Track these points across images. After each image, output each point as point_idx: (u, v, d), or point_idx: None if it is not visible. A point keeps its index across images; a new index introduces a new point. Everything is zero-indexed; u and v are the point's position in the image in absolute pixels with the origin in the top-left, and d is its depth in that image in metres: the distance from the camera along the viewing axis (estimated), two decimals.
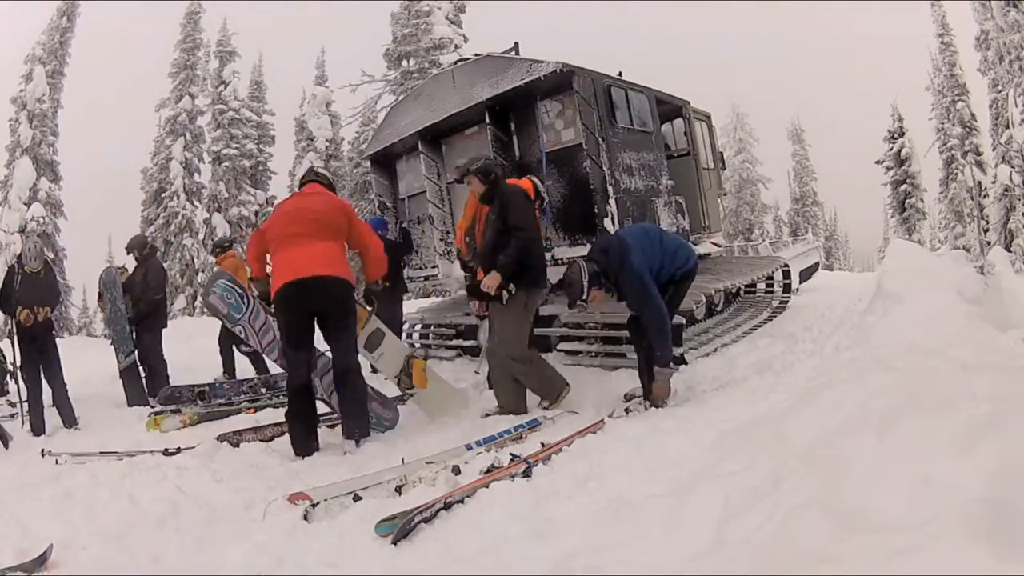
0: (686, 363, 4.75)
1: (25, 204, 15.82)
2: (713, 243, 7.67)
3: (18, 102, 16.63)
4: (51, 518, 2.51)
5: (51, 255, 14.89)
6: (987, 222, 15.69)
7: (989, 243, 14.36)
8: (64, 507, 2.60)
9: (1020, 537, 1.15)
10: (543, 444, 2.99)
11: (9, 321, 5.14)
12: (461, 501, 2.37)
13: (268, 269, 3.65)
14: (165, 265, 18.50)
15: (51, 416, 4.81)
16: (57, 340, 5.16)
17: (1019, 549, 1.12)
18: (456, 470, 2.70)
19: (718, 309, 6.59)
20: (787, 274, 7.29)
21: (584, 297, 3.69)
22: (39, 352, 4.86)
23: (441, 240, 6.26)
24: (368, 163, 7.91)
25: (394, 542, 2.09)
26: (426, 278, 7.08)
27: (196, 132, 19.38)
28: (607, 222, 5.17)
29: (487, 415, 3.90)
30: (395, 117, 6.82)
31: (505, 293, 3.78)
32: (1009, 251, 13.72)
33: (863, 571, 1.25)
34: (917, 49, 19.40)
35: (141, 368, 5.64)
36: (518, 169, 5.75)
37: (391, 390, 4.35)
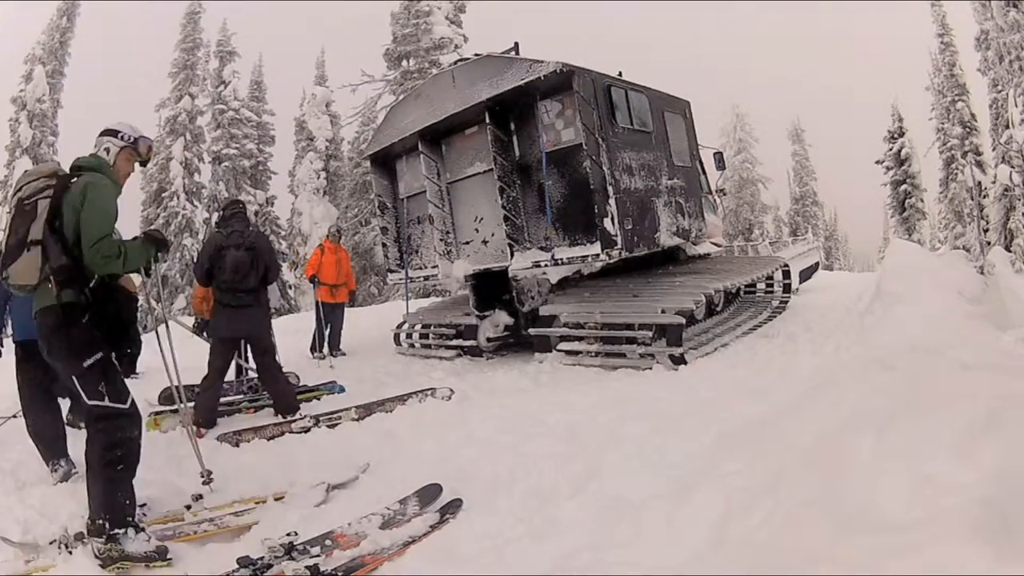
0: (686, 363, 4.75)
1: None
2: (713, 243, 7.68)
3: (18, 102, 16.63)
4: (52, 517, 2.52)
5: None
6: (987, 222, 15.66)
7: (989, 243, 14.33)
8: (64, 507, 2.60)
9: (1020, 537, 1.15)
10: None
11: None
12: None
13: None
14: (164, 266, 18.57)
15: None
16: None
17: (1019, 549, 1.12)
18: None
19: (718, 309, 6.59)
20: (787, 274, 7.29)
21: None
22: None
23: (441, 240, 6.26)
24: (368, 163, 7.90)
25: None
26: (426, 278, 7.08)
27: (196, 132, 19.38)
28: (607, 222, 5.17)
29: None
30: (395, 117, 6.82)
31: None
32: (1009, 251, 13.71)
33: (863, 571, 1.25)
34: (917, 49, 19.41)
35: None
36: (518, 169, 5.76)
37: None
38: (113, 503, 2.16)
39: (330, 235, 7.82)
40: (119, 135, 2.64)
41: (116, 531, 2.12)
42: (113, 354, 2.38)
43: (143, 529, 2.20)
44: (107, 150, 2.61)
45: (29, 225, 2.27)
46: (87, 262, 2.28)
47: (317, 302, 7.38)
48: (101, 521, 2.11)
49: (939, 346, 2.95)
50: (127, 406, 2.33)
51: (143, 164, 2.78)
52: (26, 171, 2.56)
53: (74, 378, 2.29)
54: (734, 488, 1.93)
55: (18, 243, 2.27)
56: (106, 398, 2.28)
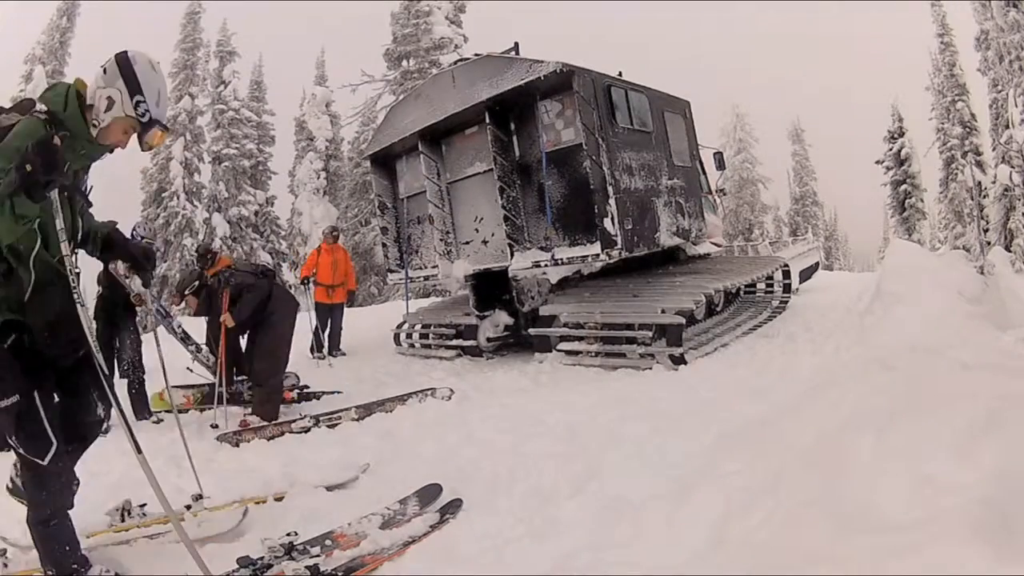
0: (686, 363, 4.75)
1: None
2: (713, 243, 7.68)
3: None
4: None
5: None
6: (987, 222, 15.66)
7: (989, 243, 14.32)
8: None
9: (1020, 537, 1.15)
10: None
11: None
12: None
13: None
14: (165, 265, 18.59)
15: None
16: None
17: (1019, 549, 1.12)
18: None
19: (718, 309, 6.59)
20: (787, 274, 7.29)
21: None
22: None
23: (441, 240, 6.26)
24: (368, 163, 7.91)
25: None
26: (426, 278, 7.08)
27: (196, 132, 19.37)
28: (607, 222, 5.17)
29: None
30: (395, 117, 6.82)
31: None
32: (1009, 251, 13.71)
33: (863, 571, 1.25)
34: (917, 49, 19.40)
35: None
36: (518, 169, 5.76)
37: None
38: (54, 557, 2.00)
39: (326, 236, 7.81)
40: (136, 99, 1.87)
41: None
42: (37, 392, 1.90)
43: (90, 566, 2.06)
44: (109, 100, 1.87)
45: None
46: None
47: (315, 303, 7.38)
48: (51, 573, 2.02)
49: (939, 346, 2.95)
50: (44, 463, 1.90)
51: (142, 147, 2.02)
52: None
53: None
54: (734, 488, 1.93)
55: None
56: (20, 448, 1.91)
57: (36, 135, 1.70)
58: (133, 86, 1.88)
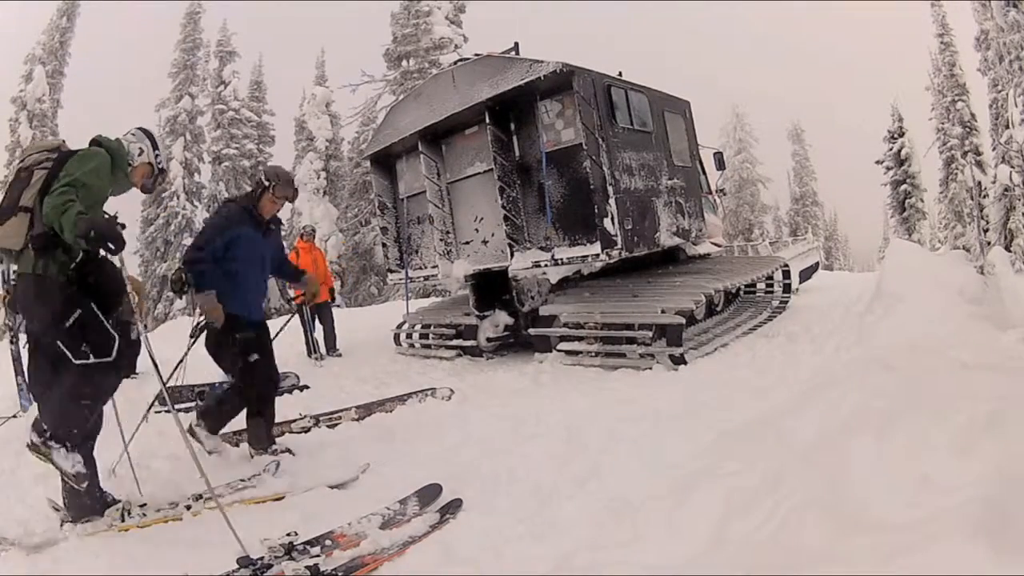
0: (686, 363, 4.75)
1: None
2: (713, 243, 7.68)
3: (18, 102, 16.63)
4: (52, 517, 2.52)
5: None
6: (987, 222, 15.66)
7: (989, 243, 14.33)
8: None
9: (1020, 537, 1.15)
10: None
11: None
12: None
13: None
14: (165, 265, 18.59)
15: None
16: None
17: (1019, 549, 1.12)
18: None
19: (718, 309, 6.59)
20: (787, 274, 7.29)
21: None
22: None
23: (441, 240, 6.26)
24: (368, 163, 7.89)
25: None
26: (426, 278, 7.08)
27: (196, 132, 19.40)
28: (607, 222, 5.17)
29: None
30: (395, 117, 6.82)
31: None
32: (1009, 251, 13.70)
33: (863, 571, 1.25)
34: (917, 49, 19.41)
35: None
36: (518, 169, 5.76)
37: None
38: (62, 423, 2.31)
39: (304, 235, 7.69)
40: (156, 153, 2.76)
41: (53, 443, 2.31)
42: (93, 304, 2.35)
43: (76, 452, 2.33)
44: (140, 150, 2.69)
45: (22, 191, 2.34)
46: (45, 210, 2.21)
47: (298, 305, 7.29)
48: (46, 428, 2.32)
49: (939, 346, 2.94)
50: (112, 357, 2.35)
51: (143, 189, 2.81)
52: (31, 143, 2.59)
53: (58, 342, 2.30)
54: (734, 488, 1.93)
55: (9, 207, 2.34)
56: (91, 356, 2.31)
57: (104, 165, 2.48)
58: (152, 141, 2.78)
